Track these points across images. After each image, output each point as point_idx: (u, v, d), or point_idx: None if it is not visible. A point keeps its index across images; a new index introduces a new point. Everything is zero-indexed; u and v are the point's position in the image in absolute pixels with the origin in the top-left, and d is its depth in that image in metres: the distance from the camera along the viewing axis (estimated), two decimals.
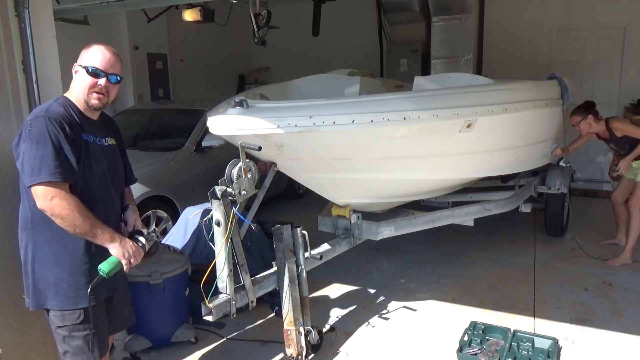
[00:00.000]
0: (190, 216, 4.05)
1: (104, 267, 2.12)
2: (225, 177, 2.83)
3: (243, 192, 2.83)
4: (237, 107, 2.90)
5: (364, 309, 4.01)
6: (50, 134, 2.03)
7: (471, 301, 4.08)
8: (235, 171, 2.81)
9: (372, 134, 3.07)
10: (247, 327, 3.70)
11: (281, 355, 3.25)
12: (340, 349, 3.41)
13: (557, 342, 3.18)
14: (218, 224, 2.84)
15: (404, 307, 4.00)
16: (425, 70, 7.45)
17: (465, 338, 3.26)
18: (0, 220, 2.49)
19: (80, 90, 2.19)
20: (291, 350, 3.14)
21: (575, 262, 4.86)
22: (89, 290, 2.13)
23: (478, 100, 3.51)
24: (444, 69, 6.93)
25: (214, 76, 9.45)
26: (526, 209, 5.04)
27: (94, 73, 2.16)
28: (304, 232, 3.24)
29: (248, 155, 2.89)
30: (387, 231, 3.89)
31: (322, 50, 9.10)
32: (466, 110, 3.39)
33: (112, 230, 2.16)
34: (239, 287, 2.99)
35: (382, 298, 4.19)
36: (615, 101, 7.39)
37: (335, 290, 4.37)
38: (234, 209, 2.82)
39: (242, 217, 2.93)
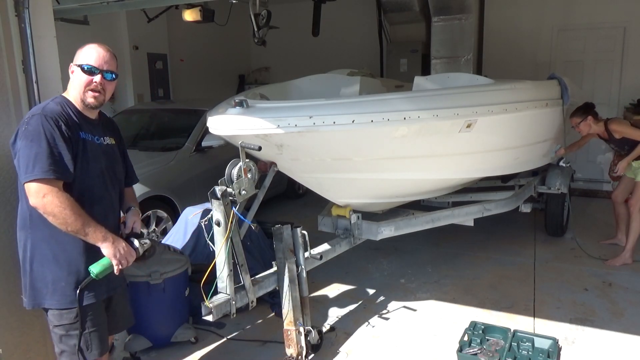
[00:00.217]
0: (190, 216, 4.05)
1: (94, 269, 2.12)
2: (225, 177, 2.83)
3: (243, 192, 2.83)
4: (237, 107, 2.90)
5: (364, 309, 4.01)
6: (45, 131, 2.03)
7: (471, 301, 4.08)
8: (235, 171, 2.81)
9: (372, 134, 3.07)
10: (247, 327, 3.70)
11: (281, 355, 3.25)
12: (340, 349, 3.41)
13: (557, 342, 3.18)
14: (218, 224, 2.84)
15: (404, 307, 4.00)
16: (425, 70, 7.45)
17: (465, 338, 3.26)
18: (0, 220, 2.49)
19: (76, 89, 2.20)
20: (291, 350, 3.14)
21: (575, 262, 4.86)
22: (77, 291, 2.13)
23: (478, 100, 3.51)
24: (444, 69, 6.93)
25: (214, 76, 9.45)
26: (526, 209, 5.04)
27: (89, 71, 2.17)
28: (304, 232, 3.24)
29: (248, 155, 2.89)
30: (387, 231, 3.89)
31: (322, 50, 9.10)
32: (466, 110, 3.39)
33: (105, 230, 2.15)
34: (239, 287, 2.99)
35: (382, 298, 4.19)
36: (615, 101, 7.39)
37: (335, 290, 4.37)
38: (234, 209, 2.82)
39: (242, 217, 2.93)
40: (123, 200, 2.47)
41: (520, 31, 7.74)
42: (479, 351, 3.13)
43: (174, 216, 4.78)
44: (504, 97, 3.76)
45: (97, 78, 2.18)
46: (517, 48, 7.74)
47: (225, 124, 2.95)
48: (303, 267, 3.24)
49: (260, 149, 2.87)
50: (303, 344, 3.15)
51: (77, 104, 2.22)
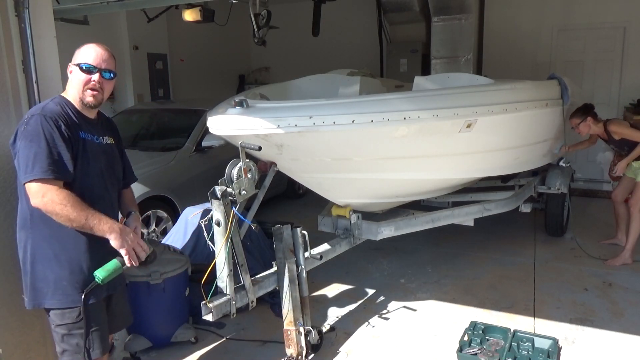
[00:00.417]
0: (190, 216, 4.05)
1: (99, 274, 2.11)
2: (225, 177, 2.83)
3: (243, 192, 2.83)
4: (237, 107, 2.90)
5: (364, 309, 4.01)
6: (44, 131, 2.04)
7: (471, 301, 4.08)
8: (235, 171, 2.80)
9: (372, 134, 3.07)
10: (247, 327, 3.70)
11: (281, 355, 3.25)
12: (340, 349, 3.41)
13: (557, 342, 3.18)
14: (218, 224, 2.84)
15: (404, 307, 4.00)
16: (425, 70, 7.44)
17: (465, 338, 3.26)
18: (0, 220, 2.49)
19: (75, 88, 2.21)
20: (291, 350, 3.14)
21: (575, 262, 4.86)
22: (83, 295, 2.13)
23: (478, 100, 3.51)
24: (444, 69, 6.93)
25: (214, 76, 9.45)
26: (526, 209, 5.04)
27: (88, 69, 2.18)
28: (304, 232, 3.24)
29: (248, 155, 2.89)
30: (387, 231, 3.89)
31: (322, 50, 9.10)
32: (466, 110, 3.39)
33: (112, 221, 2.14)
34: (239, 287, 2.99)
35: (382, 298, 4.19)
36: (615, 101, 7.39)
37: (335, 290, 4.37)
38: (234, 209, 2.82)
39: (242, 217, 2.93)
40: (121, 199, 2.48)
41: (520, 31, 7.74)
42: (479, 351, 3.13)
43: (174, 216, 4.78)
44: (504, 97, 3.75)
45: (96, 77, 2.19)
46: (517, 48, 7.74)
47: (225, 124, 2.95)
48: (303, 267, 3.24)
49: (260, 149, 2.87)
50: (303, 344, 3.15)
51: (76, 103, 2.22)
